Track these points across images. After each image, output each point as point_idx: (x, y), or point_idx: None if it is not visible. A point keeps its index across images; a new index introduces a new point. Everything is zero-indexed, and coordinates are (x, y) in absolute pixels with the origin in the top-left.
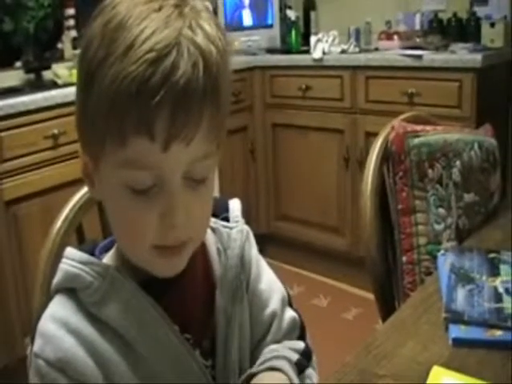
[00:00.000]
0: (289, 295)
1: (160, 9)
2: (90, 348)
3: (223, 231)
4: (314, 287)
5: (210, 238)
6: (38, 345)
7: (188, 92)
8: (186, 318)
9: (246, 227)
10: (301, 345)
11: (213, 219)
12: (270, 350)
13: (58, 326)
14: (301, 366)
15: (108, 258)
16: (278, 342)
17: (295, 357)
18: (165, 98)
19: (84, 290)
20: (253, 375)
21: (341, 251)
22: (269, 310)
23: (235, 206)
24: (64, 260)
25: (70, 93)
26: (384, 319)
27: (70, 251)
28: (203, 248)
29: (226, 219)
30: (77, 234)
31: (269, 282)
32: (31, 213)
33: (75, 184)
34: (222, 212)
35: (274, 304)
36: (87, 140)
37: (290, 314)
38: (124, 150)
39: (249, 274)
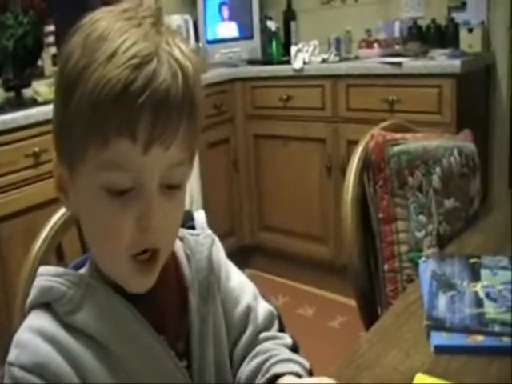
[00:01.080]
0: (260, 292)
1: (139, 25)
2: (66, 355)
3: (190, 238)
4: (298, 297)
5: (178, 245)
6: (12, 354)
7: (168, 98)
8: (159, 321)
9: (212, 234)
10: (288, 340)
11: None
12: (266, 349)
13: (34, 335)
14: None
15: (82, 270)
16: (257, 334)
17: (306, 362)
18: (147, 101)
19: (58, 301)
20: (277, 376)
21: (325, 260)
22: (242, 306)
23: (200, 216)
24: (38, 278)
25: (51, 110)
26: (367, 327)
27: (44, 268)
28: (173, 255)
29: (192, 228)
30: (56, 254)
31: (238, 280)
32: (13, 232)
33: (58, 202)
34: (187, 222)
35: (246, 299)
36: (66, 148)
37: (264, 305)
38: (106, 152)
39: (219, 275)
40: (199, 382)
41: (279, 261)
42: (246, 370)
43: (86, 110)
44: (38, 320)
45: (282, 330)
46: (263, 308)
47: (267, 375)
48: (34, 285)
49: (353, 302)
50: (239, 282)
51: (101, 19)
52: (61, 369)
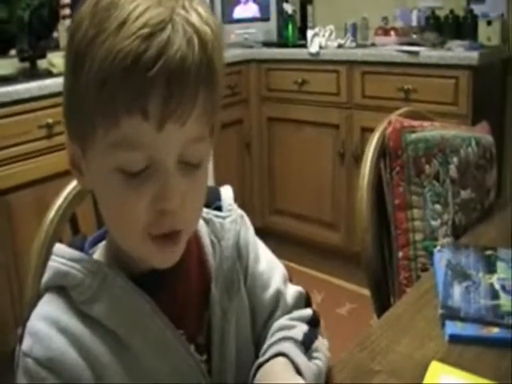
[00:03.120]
0: (289, 272)
1: None
2: (80, 347)
3: (216, 222)
4: (307, 282)
5: (203, 230)
6: (26, 344)
7: (183, 68)
8: (179, 312)
9: (240, 212)
10: (308, 312)
11: (205, 209)
12: (277, 326)
13: (48, 325)
14: (308, 342)
15: (99, 252)
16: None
17: (300, 334)
18: (159, 73)
19: (75, 288)
20: (260, 365)
21: (335, 246)
22: (272, 289)
23: (227, 193)
24: (53, 257)
25: None
26: (379, 315)
27: (59, 248)
28: (197, 240)
29: (219, 208)
30: (70, 225)
31: (268, 261)
32: (25, 202)
33: (70, 174)
34: (214, 201)
35: (276, 282)
36: (76, 125)
37: (293, 289)
38: (116, 130)
39: (247, 258)
40: (219, 376)
41: (289, 245)
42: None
43: (94, 87)
44: (52, 307)
45: (308, 306)
46: (292, 291)
47: (255, 365)
48: (48, 264)
49: (362, 290)
50: (268, 264)
51: None
52: (74, 363)
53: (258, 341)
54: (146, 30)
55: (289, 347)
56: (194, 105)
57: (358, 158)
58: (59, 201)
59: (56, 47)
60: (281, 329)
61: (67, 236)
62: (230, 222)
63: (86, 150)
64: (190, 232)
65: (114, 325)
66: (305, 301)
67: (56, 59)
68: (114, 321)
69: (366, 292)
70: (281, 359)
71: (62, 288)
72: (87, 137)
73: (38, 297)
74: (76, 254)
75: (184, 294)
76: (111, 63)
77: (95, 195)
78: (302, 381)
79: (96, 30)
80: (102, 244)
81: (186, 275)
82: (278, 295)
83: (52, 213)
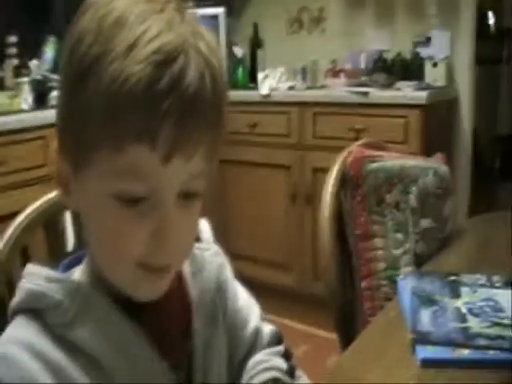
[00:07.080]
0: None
1: (161, 10)
2: (58, 375)
3: (196, 253)
4: None
5: None
6: None
7: (196, 105)
8: (162, 340)
9: (218, 248)
10: (280, 348)
11: None
12: (255, 361)
13: (21, 350)
14: (291, 372)
15: (78, 273)
16: None
17: (283, 364)
18: (172, 106)
19: (51, 311)
20: None
21: (288, 288)
22: (251, 327)
23: (205, 227)
24: (27, 278)
25: (10, 121)
26: (344, 348)
27: (32, 268)
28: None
29: (196, 239)
30: (21, 257)
31: (245, 298)
32: None
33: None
34: None
35: (254, 320)
36: (72, 142)
37: (268, 327)
38: (119, 157)
39: (226, 294)
40: None
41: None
42: None
43: (100, 108)
44: (24, 331)
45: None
46: (268, 330)
47: None
48: (19, 286)
49: (316, 331)
50: (246, 301)
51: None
52: None
53: (234, 379)
54: (158, 57)
55: (277, 374)
56: (201, 141)
57: (309, 199)
58: (9, 232)
59: (1, 87)
60: (259, 363)
61: (19, 269)
62: (211, 254)
63: (80, 169)
64: (181, 265)
65: (95, 350)
66: (278, 339)
67: (1, 98)
68: (94, 346)
69: (320, 333)
70: None
71: (35, 311)
72: (84, 157)
73: (6, 321)
74: (52, 273)
75: (166, 321)
76: (120, 87)
77: (82, 217)
78: None
79: (102, 48)
80: (80, 267)
81: (168, 303)
82: (257, 333)
83: (0, 245)
